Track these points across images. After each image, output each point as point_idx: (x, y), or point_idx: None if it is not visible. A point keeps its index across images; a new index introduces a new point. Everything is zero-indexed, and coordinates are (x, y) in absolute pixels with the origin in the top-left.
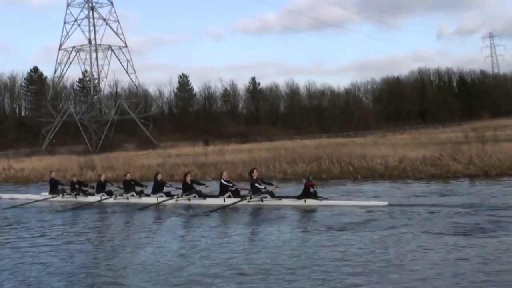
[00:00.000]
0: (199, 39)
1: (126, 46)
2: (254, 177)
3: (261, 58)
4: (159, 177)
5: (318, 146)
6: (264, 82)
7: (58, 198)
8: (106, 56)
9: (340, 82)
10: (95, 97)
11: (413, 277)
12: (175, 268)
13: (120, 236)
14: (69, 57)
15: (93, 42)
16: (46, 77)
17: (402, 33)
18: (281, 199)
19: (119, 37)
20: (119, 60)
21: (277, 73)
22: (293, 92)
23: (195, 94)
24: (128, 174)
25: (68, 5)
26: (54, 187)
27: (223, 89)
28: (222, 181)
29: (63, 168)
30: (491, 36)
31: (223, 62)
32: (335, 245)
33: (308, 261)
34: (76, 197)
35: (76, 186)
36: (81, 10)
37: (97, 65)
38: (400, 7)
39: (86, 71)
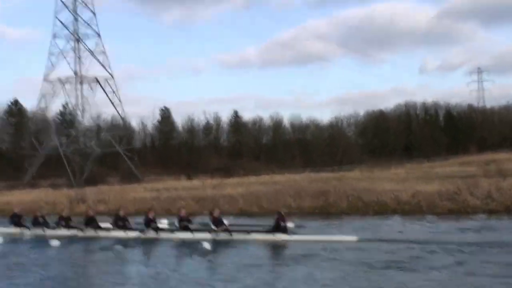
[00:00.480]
0: (178, 73)
1: (113, 77)
2: (215, 216)
3: (241, 92)
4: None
5: (312, 180)
6: (245, 116)
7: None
8: (91, 87)
9: (322, 115)
10: (79, 129)
11: None
12: None
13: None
14: (53, 89)
15: (79, 73)
16: (25, 110)
17: (384, 67)
18: (249, 233)
19: (106, 69)
20: (105, 92)
21: (257, 107)
22: (277, 125)
23: (176, 128)
24: (90, 211)
25: (54, 36)
26: (17, 222)
27: (206, 121)
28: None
29: (50, 202)
30: (479, 71)
31: (202, 95)
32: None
33: None
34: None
35: (40, 220)
36: (68, 42)
37: (81, 97)
38: (382, 43)
39: (67, 103)
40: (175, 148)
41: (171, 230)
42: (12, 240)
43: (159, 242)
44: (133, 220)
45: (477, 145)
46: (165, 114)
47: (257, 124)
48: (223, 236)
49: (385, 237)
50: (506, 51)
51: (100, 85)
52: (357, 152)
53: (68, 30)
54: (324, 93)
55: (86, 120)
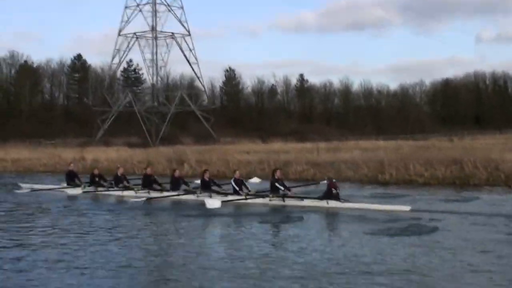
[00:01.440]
0: (236, 35)
1: (190, 34)
2: (276, 177)
3: (294, 57)
4: (177, 173)
5: (398, 147)
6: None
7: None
8: (167, 44)
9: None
10: (155, 87)
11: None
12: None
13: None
14: (128, 44)
15: (154, 29)
16: (89, 65)
17: (440, 37)
18: (302, 200)
19: (183, 25)
20: (181, 49)
21: (311, 72)
22: (347, 90)
23: (242, 89)
24: (149, 169)
25: None
26: (72, 179)
27: (271, 85)
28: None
29: (143, 160)
30: None
31: (257, 59)
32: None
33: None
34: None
35: (96, 178)
36: None
37: (156, 54)
38: (440, 12)
39: (131, 60)
40: (245, 111)
41: (223, 193)
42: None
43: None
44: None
45: None
46: (231, 75)
47: (327, 89)
48: (276, 201)
49: None
50: None
51: (177, 42)
52: (428, 121)
53: None
54: (379, 60)
55: (160, 77)
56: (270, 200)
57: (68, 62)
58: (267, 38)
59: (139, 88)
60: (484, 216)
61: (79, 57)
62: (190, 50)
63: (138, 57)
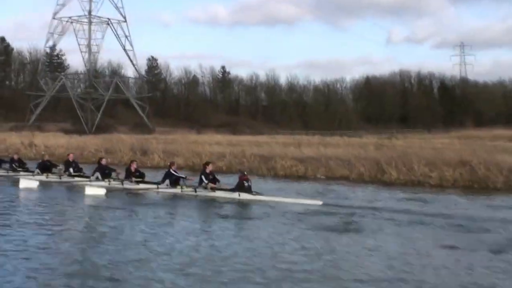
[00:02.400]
0: (147, 26)
1: (126, 21)
2: (207, 171)
3: (205, 50)
4: (103, 161)
5: (361, 145)
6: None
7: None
8: (101, 30)
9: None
10: (90, 74)
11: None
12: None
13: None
14: (62, 28)
15: (91, 13)
16: (13, 49)
17: (351, 36)
18: (215, 191)
19: (119, 11)
20: (116, 35)
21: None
22: (273, 84)
23: (164, 79)
24: (71, 155)
25: None
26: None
27: (196, 76)
28: (171, 170)
29: (107, 149)
30: (462, 45)
31: (171, 50)
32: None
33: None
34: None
35: (14, 164)
36: None
37: (90, 39)
38: (352, 11)
39: (54, 45)
40: (172, 101)
41: (136, 182)
42: None
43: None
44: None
45: (472, 119)
46: (153, 65)
47: (253, 82)
48: (188, 192)
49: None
50: (474, 28)
51: (112, 28)
52: (354, 118)
53: None
54: (291, 56)
55: (94, 63)
56: (182, 191)
57: None
58: (178, 30)
59: (63, 73)
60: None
61: (2, 39)
62: (126, 36)
63: (63, 42)
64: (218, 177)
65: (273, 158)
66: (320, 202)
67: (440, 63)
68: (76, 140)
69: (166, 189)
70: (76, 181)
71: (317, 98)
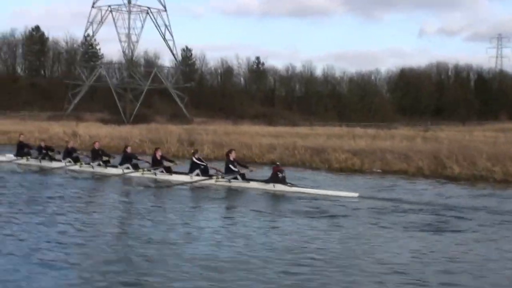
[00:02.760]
0: (179, 17)
1: (166, 10)
2: (231, 158)
3: (235, 41)
4: (129, 149)
5: (410, 138)
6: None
7: (23, 161)
8: (141, 19)
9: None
10: (127, 63)
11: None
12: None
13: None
14: (101, 16)
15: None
16: (48, 38)
17: (383, 27)
18: (249, 182)
19: (158, 0)
20: (156, 24)
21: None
22: (310, 76)
23: (198, 69)
24: (97, 143)
25: None
26: (21, 150)
27: (231, 66)
28: (194, 159)
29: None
30: (499, 37)
31: (201, 40)
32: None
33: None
34: (40, 162)
35: (43, 150)
36: None
37: (128, 28)
38: (384, 2)
39: (88, 34)
40: (208, 91)
41: (170, 172)
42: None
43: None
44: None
45: (507, 112)
46: (187, 55)
47: (289, 73)
48: (222, 182)
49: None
50: (507, 20)
51: (152, 17)
52: (390, 110)
53: None
54: (320, 48)
55: (133, 53)
56: (216, 181)
57: (26, 33)
58: (208, 21)
59: (100, 63)
60: None
61: (37, 28)
62: (166, 26)
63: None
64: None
65: (325, 151)
66: (356, 194)
67: (473, 55)
68: (118, 130)
69: (199, 180)
70: (103, 171)
71: (352, 90)
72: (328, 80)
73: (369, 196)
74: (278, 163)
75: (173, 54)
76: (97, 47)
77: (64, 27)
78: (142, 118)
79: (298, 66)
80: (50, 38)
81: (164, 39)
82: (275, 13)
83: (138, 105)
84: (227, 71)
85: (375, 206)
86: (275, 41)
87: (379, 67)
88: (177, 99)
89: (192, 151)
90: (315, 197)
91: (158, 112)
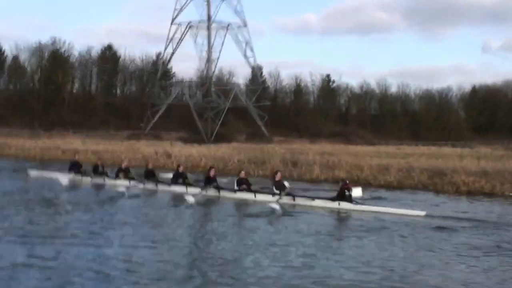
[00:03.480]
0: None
1: (246, 25)
2: (277, 179)
3: (298, 58)
4: (181, 168)
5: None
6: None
7: (81, 178)
8: (220, 35)
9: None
10: (207, 80)
11: None
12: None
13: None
14: (182, 33)
15: (210, 18)
16: (120, 56)
17: (444, 44)
18: (314, 200)
19: (239, 15)
20: (237, 40)
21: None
22: (385, 93)
23: (268, 87)
24: (150, 164)
25: None
26: (76, 169)
27: (300, 84)
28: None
29: (252, 160)
30: None
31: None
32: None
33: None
34: (104, 180)
35: (100, 169)
36: None
37: (208, 45)
38: (446, 19)
39: (160, 53)
40: (282, 109)
41: (232, 190)
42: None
43: (219, 200)
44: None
45: None
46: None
47: (364, 90)
48: (285, 200)
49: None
50: None
51: (231, 33)
52: (465, 128)
53: None
54: (381, 65)
55: (212, 70)
56: (278, 200)
57: (98, 52)
58: (269, 39)
59: (177, 81)
60: None
61: (109, 47)
62: (247, 42)
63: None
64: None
65: (444, 172)
66: (423, 213)
67: None
68: (212, 150)
69: (263, 197)
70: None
71: (427, 108)
72: (402, 98)
73: (437, 214)
74: (347, 180)
75: (254, 71)
76: (169, 65)
77: (136, 45)
78: (222, 137)
79: (372, 83)
80: (123, 57)
81: (245, 56)
82: (336, 31)
83: (219, 124)
84: (299, 89)
85: (442, 225)
86: (336, 58)
87: (449, 84)
88: (257, 118)
89: (274, 171)
90: (381, 216)
91: (234, 131)
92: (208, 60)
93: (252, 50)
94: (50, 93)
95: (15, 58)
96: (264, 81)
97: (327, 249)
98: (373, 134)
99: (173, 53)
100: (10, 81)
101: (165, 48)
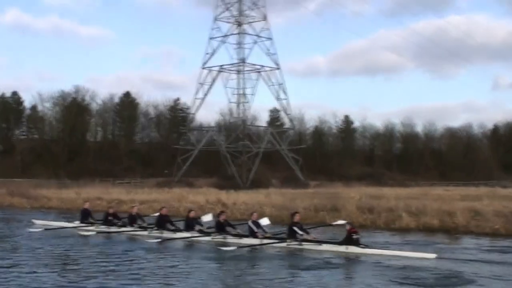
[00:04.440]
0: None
1: (279, 68)
2: (295, 220)
3: (307, 100)
4: (192, 214)
5: None
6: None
7: (91, 227)
8: (251, 78)
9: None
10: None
11: None
12: None
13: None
14: (216, 77)
15: (242, 61)
16: (138, 103)
17: (454, 82)
18: (321, 244)
19: (271, 58)
20: (269, 83)
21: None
22: (409, 133)
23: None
24: (164, 209)
25: (215, 19)
26: (86, 217)
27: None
28: (250, 222)
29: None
30: None
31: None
32: None
33: None
34: (109, 228)
35: (109, 217)
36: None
37: (243, 88)
38: (455, 56)
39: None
40: (309, 152)
41: (238, 236)
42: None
43: (227, 246)
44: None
45: None
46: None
47: (388, 130)
48: (293, 245)
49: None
50: None
51: (265, 76)
52: (493, 167)
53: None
54: (389, 105)
55: (245, 114)
56: (288, 244)
57: (116, 99)
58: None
59: (183, 128)
60: None
61: (127, 94)
62: (279, 85)
63: (185, 95)
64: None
65: None
66: (434, 256)
67: None
68: (257, 196)
69: (272, 243)
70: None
71: (452, 147)
72: (428, 137)
73: (448, 257)
74: (353, 223)
75: (287, 115)
76: (186, 110)
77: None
78: (258, 182)
79: (397, 123)
80: (142, 104)
81: (278, 98)
82: (344, 72)
83: (255, 168)
84: (322, 132)
85: (453, 269)
86: (344, 99)
87: (468, 122)
88: (292, 162)
89: (292, 213)
90: (390, 259)
91: (268, 176)
92: (240, 103)
93: (285, 92)
94: (74, 141)
95: (33, 108)
96: (281, 125)
97: None
98: (399, 175)
99: (204, 97)
100: (30, 131)
101: (196, 92)
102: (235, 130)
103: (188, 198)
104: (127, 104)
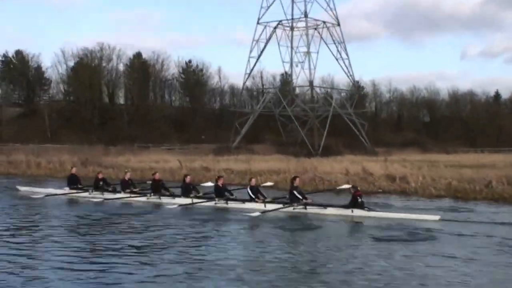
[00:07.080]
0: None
1: (339, 24)
2: (295, 185)
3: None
4: (188, 179)
5: None
6: None
7: (84, 194)
8: (308, 35)
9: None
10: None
11: None
12: None
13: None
14: (272, 34)
15: (301, 15)
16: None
17: (426, 52)
18: (326, 208)
19: (329, 13)
20: (332, 41)
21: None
22: (435, 99)
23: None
24: (157, 174)
25: None
26: (74, 183)
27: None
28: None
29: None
30: None
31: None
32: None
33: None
34: (103, 194)
35: (100, 183)
36: None
37: (308, 45)
38: (426, 26)
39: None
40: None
41: (241, 200)
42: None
43: (229, 211)
44: None
45: None
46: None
47: (415, 96)
48: (298, 209)
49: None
50: None
51: (325, 32)
52: None
53: None
54: (366, 72)
55: (304, 76)
56: (293, 209)
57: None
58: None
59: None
60: None
61: (138, 55)
62: (339, 43)
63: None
64: None
65: None
66: (438, 217)
67: None
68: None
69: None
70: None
71: (479, 113)
72: (453, 103)
73: (451, 218)
74: (358, 187)
75: (349, 76)
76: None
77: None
78: (328, 149)
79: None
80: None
81: (340, 57)
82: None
83: (325, 134)
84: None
85: (457, 229)
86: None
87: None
88: (358, 126)
89: (292, 177)
90: (396, 221)
91: (337, 141)
92: (308, 61)
93: (345, 51)
94: (103, 105)
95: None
96: (360, 87)
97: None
98: (430, 141)
99: (259, 56)
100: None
101: (251, 50)
102: (299, 93)
103: (317, 169)
104: (139, 64)
